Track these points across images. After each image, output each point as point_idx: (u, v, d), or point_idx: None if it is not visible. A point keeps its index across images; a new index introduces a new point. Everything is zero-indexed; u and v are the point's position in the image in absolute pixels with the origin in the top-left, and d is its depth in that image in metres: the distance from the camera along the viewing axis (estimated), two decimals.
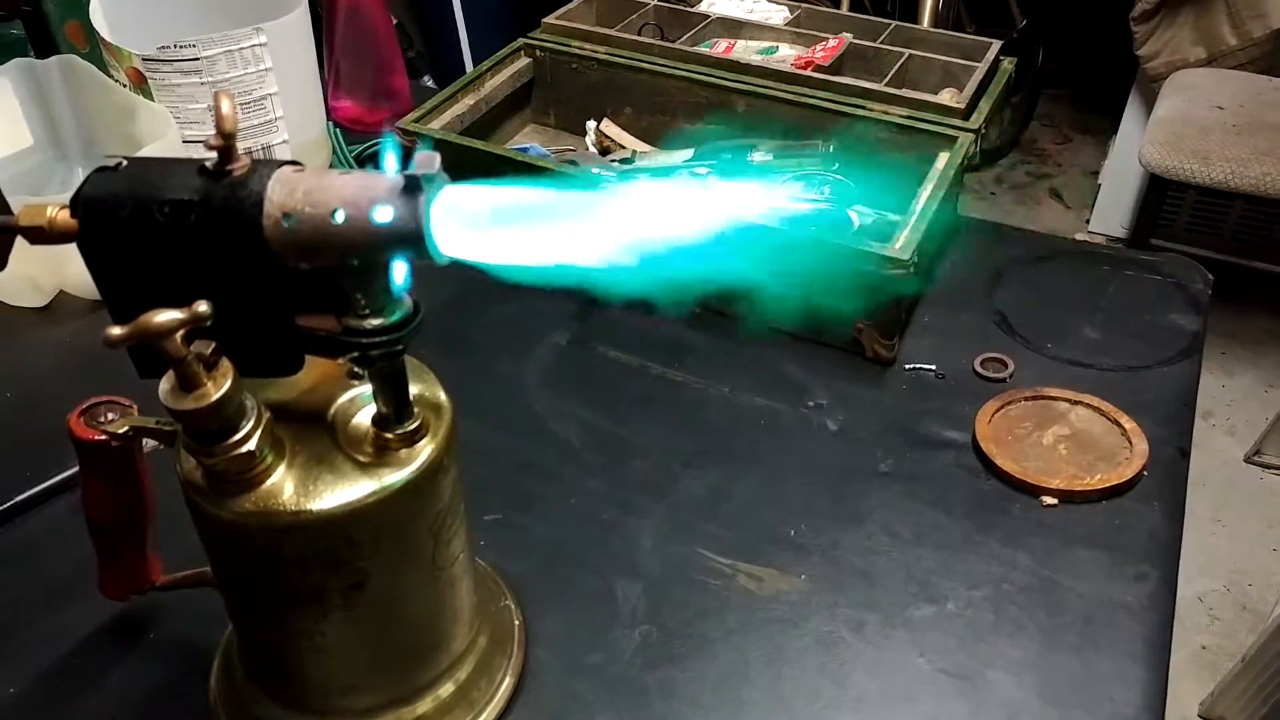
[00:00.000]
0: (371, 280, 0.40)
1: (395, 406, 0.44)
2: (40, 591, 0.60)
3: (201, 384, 0.39)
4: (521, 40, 1.02)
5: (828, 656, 0.57)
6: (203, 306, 0.37)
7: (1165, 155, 1.73)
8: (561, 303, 0.83)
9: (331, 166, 1.01)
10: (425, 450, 0.45)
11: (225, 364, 0.40)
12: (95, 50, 0.96)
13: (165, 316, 0.37)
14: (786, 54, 1.00)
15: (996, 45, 0.99)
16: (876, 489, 0.68)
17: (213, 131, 0.38)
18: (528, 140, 1.05)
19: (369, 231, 0.38)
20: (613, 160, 0.97)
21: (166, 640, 0.58)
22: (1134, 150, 1.90)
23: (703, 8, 1.10)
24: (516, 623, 0.58)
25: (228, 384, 0.40)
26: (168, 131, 0.83)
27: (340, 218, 0.38)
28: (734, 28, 1.05)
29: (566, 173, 0.86)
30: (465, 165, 0.84)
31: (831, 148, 0.89)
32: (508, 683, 0.55)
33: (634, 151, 0.98)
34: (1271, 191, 1.65)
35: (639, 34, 1.04)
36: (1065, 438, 0.71)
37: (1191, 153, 1.69)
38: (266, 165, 0.39)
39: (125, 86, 0.89)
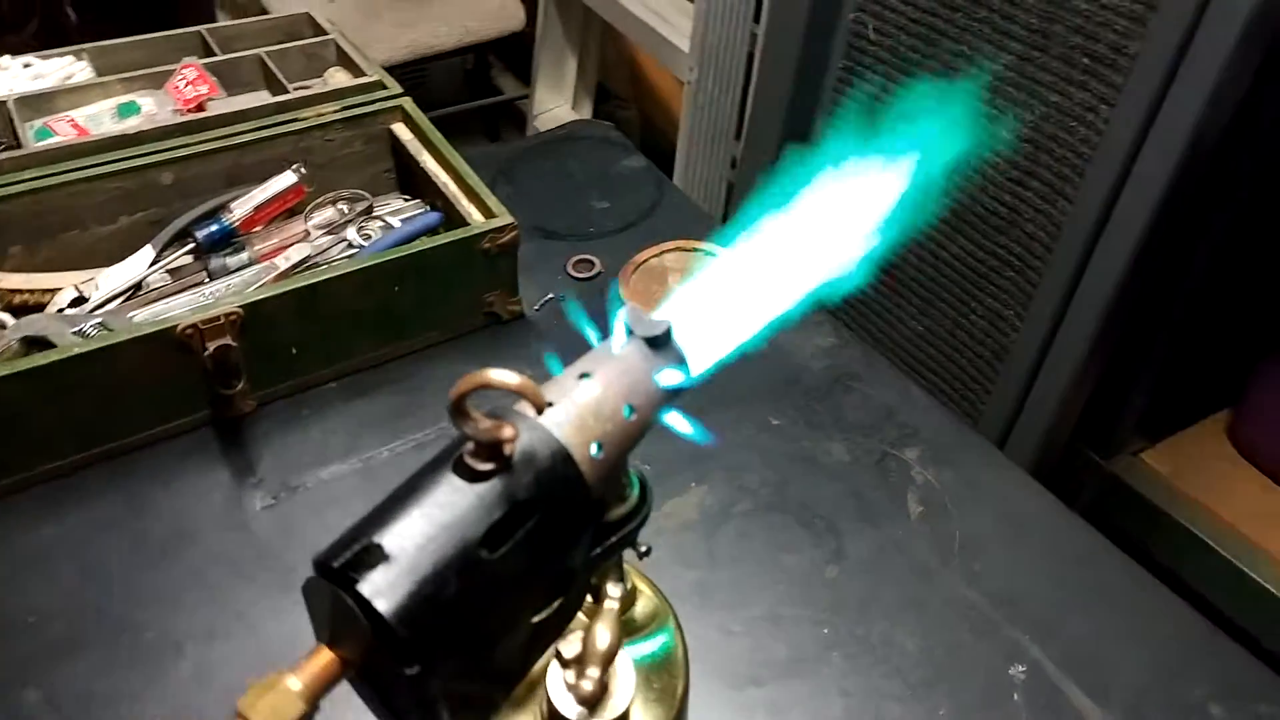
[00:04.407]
0: (628, 463, 0.37)
1: (619, 569, 0.41)
2: None
3: (608, 685, 0.33)
4: None
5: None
6: (617, 590, 0.31)
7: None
8: None
9: None
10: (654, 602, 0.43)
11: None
12: None
13: (610, 631, 0.31)
14: (149, 103, 0.86)
15: (304, 14, 1.01)
16: None
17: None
18: None
19: (654, 406, 0.35)
20: (60, 311, 0.76)
21: None
22: None
23: None
24: None
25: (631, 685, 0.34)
26: None
27: (628, 413, 0.34)
28: (45, 102, 0.85)
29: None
30: None
31: (303, 170, 0.84)
32: None
33: (77, 289, 0.77)
34: (424, 52, 1.93)
35: None
36: (679, 277, 0.87)
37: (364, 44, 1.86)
38: (521, 420, 0.32)
39: None
